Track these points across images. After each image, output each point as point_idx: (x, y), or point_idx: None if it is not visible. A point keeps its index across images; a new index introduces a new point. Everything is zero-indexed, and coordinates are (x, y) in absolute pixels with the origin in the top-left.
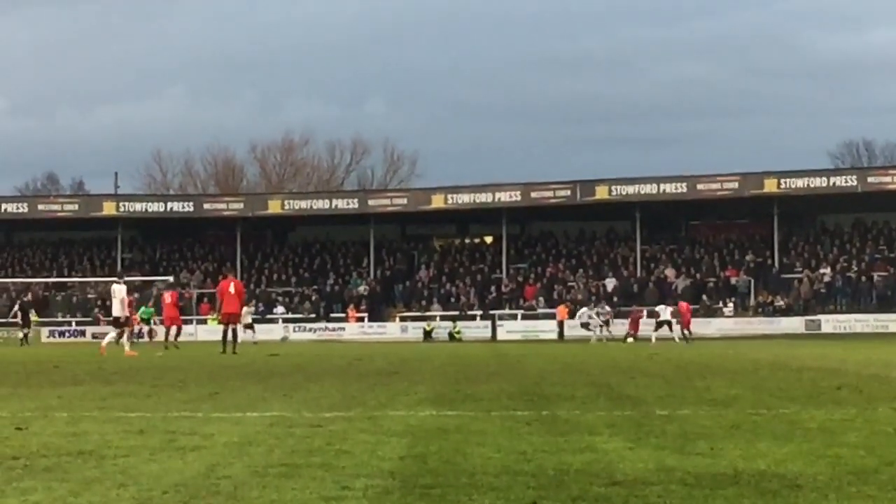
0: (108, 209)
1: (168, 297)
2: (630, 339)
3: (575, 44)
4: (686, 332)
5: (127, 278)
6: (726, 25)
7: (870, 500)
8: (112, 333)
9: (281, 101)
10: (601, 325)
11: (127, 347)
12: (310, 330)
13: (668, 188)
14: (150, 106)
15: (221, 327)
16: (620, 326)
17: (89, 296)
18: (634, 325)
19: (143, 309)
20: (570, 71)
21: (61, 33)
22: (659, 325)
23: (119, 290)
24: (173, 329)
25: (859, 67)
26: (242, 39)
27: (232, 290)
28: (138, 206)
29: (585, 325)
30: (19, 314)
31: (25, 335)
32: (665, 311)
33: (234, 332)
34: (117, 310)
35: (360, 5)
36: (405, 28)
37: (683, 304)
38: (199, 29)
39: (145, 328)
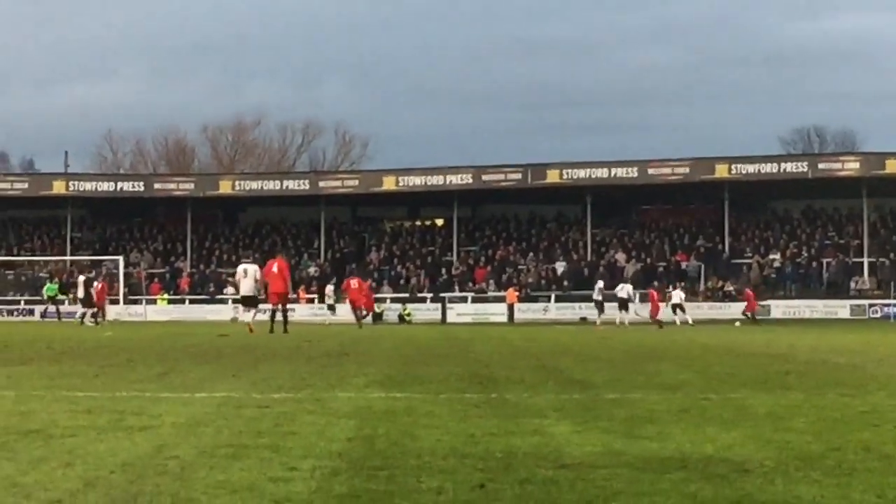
0: (58, 188)
1: (354, 282)
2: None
3: (533, 29)
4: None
5: (75, 258)
6: (685, 12)
7: (816, 485)
8: (250, 312)
9: (238, 83)
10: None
11: (249, 322)
12: (260, 311)
13: (620, 172)
14: (106, 86)
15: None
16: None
17: (39, 274)
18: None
19: (48, 286)
20: (526, 56)
21: (20, 10)
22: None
23: (251, 270)
24: (362, 311)
25: (813, 54)
26: (203, 21)
27: (275, 269)
28: (88, 186)
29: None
30: (82, 290)
31: (85, 314)
32: (622, 290)
33: (284, 312)
34: (248, 288)
35: None
36: (364, 11)
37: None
38: (159, 9)
39: (52, 307)
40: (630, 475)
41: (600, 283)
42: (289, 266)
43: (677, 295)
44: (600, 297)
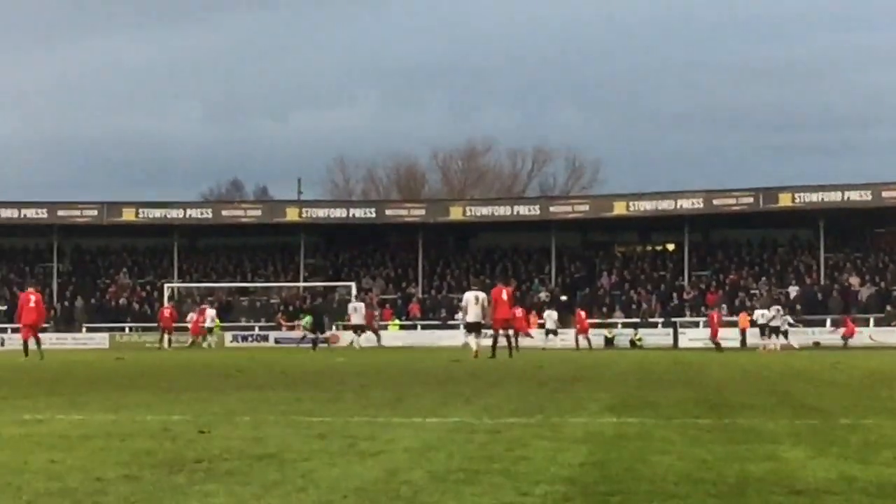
0: (292, 215)
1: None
2: None
3: (762, 51)
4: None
5: (308, 284)
6: None
7: None
8: (477, 339)
9: (468, 109)
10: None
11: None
12: (490, 336)
13: (853, 196)
14: (338, 113)
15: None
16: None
17: (272, 301)
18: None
19: (306, 319)
20: (753, 78)
21: (254, 41)
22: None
23: (482, 297)
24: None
25: None
26: (434, 47)
27: (504, 296)
28: (321, 212)
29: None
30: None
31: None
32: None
33: (508, 336)
34: (476, 315)
35: (549, 15)
36: (592, 36)
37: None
38: (391, 36)
39: (310, 335)
40: (866, 501)
41: (781, 311)
42: (513, 293)
43: (761, 315)
44: (779, 323)
